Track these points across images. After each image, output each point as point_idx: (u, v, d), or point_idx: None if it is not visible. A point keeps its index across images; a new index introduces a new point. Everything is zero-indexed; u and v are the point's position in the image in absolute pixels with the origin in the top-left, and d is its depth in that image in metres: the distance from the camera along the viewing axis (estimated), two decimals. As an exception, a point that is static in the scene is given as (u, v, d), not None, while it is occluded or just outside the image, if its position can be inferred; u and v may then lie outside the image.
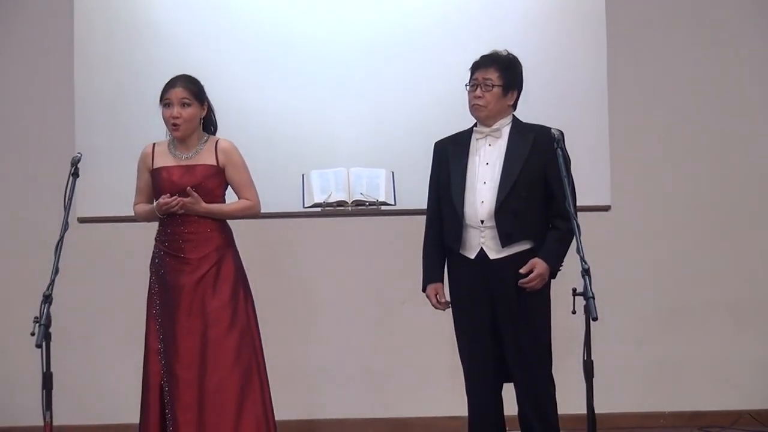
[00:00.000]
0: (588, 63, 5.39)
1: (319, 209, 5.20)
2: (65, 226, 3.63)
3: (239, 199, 4.19)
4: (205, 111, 4.18)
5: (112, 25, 5.38)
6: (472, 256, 3.90)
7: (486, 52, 4.03)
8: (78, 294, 5.23)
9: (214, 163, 4.12)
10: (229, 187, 4.20)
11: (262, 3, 5.42)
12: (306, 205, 5.20)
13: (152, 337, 4.09)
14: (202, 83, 4.17)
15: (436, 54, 5.35)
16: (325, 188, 5.19)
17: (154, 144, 4.21)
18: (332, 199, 5.16)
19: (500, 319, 3.88)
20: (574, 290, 3.38)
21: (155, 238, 4.17)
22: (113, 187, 5.23)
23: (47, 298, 3.40)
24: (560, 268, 3.90)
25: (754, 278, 5.46)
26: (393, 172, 5.24)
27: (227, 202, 4.21)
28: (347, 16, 5.41)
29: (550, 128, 3.84)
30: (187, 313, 4.02)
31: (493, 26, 5.30)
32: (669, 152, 5.48)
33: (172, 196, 4.03)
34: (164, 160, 4.14)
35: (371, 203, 5.18)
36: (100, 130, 5.35)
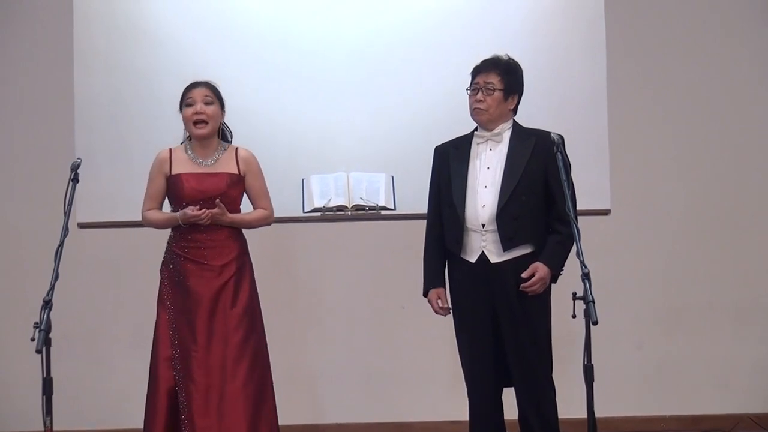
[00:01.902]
0: (587, 67, 5.38)
1: (318, 214, 5.19)
2: (65, 232, 3.62)
3: (254, 207, 4.24)
4: (222, 118, 4.23)
5: (112, 30, 5.38)
6: (473, 260, 3.90)
7: (486, 56, 4.03)
8: (78, 299, 5.23)
9: (236, 171, 4.16)
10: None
11: (261, 8, 5.41)
12: (306, 210, 5.19)
13: (163, 345, 4.08)
14: None
15: (436, 58, 5.34)
16: (324, 193, 5.18)
17: (170, 149, 4.21)
18: (332, 204, 5.16)
19: (501, 323, 3.88)
20: (575, 294, 3.38)
21: (171, 244, 4.16)
22: (113, 192, 5.24)
23: (47, 304, 3.39)
24: (561, 272, 3.90)
25: (753, 281, 5.46)
26: (393, 177, 5.24)
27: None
28: (347, 21, 5.40)
29: (550, 133, 3.85)
30: (208, 319, 4.04)
31: (492, 31, 5.29)
32: (669, 156, 5.48)
33: (195, 202, 4.05)
34: (184, 166, 4.15)
35: (371, 208, 5.17)
36: (100, 136, 5.34)
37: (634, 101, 5.46)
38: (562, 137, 3.80)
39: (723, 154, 5.49)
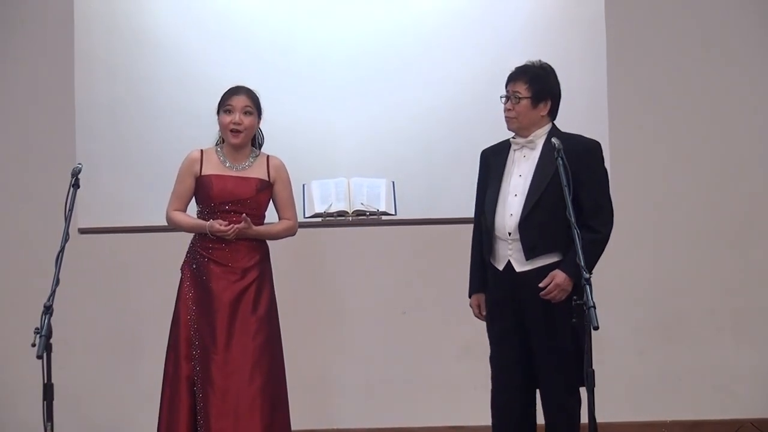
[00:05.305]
0: (588, 71, 5.38)
1: (319, 219, 5.20)
2: (66, 237, 3.62)
3: (280, 216, 4.30)
4: (258, 126, 4.26)
5: (112, 34, 5.38)
6: (501, 268, 3.91)
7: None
8: (79, 305, 5.22)
9: (266, 178, 4.20)
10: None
11: (262, 13, 5.42)
12: (306, 215, 5.19)
13: (184, 344, 4.10)
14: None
15: (436, 63, 5.34)
16: (325, 198, 5.18)
17: (201, 150, 4.23)
18: (333, 209, 5.16)
19: (527, 330, 3.87)
20: (575, 299, 3.37)
21: (195, 243, 4.18)
22: (114, 197, 5.24)
23: (48, 309, 3.39)
24: (587, 279, 3.82)
25: (754, 287, 5.45)
26: (393, 182, 5.23)
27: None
28: (347, 26, 5.41)
29: (585, 138, 3.88)
30: (229, 322, 4.07)
31: (493, 32, 5.30)
32: (669, 161, 5.48)
33: (224, 204, 4.09)
34: (215, 168, 4.18)
35: (372, 213, 5.17)
36: (100, 139, 5.34)
37: (635, 105, 5.45)
38: (561, 143, 3.75)
39: (725, 159, 5.48)
